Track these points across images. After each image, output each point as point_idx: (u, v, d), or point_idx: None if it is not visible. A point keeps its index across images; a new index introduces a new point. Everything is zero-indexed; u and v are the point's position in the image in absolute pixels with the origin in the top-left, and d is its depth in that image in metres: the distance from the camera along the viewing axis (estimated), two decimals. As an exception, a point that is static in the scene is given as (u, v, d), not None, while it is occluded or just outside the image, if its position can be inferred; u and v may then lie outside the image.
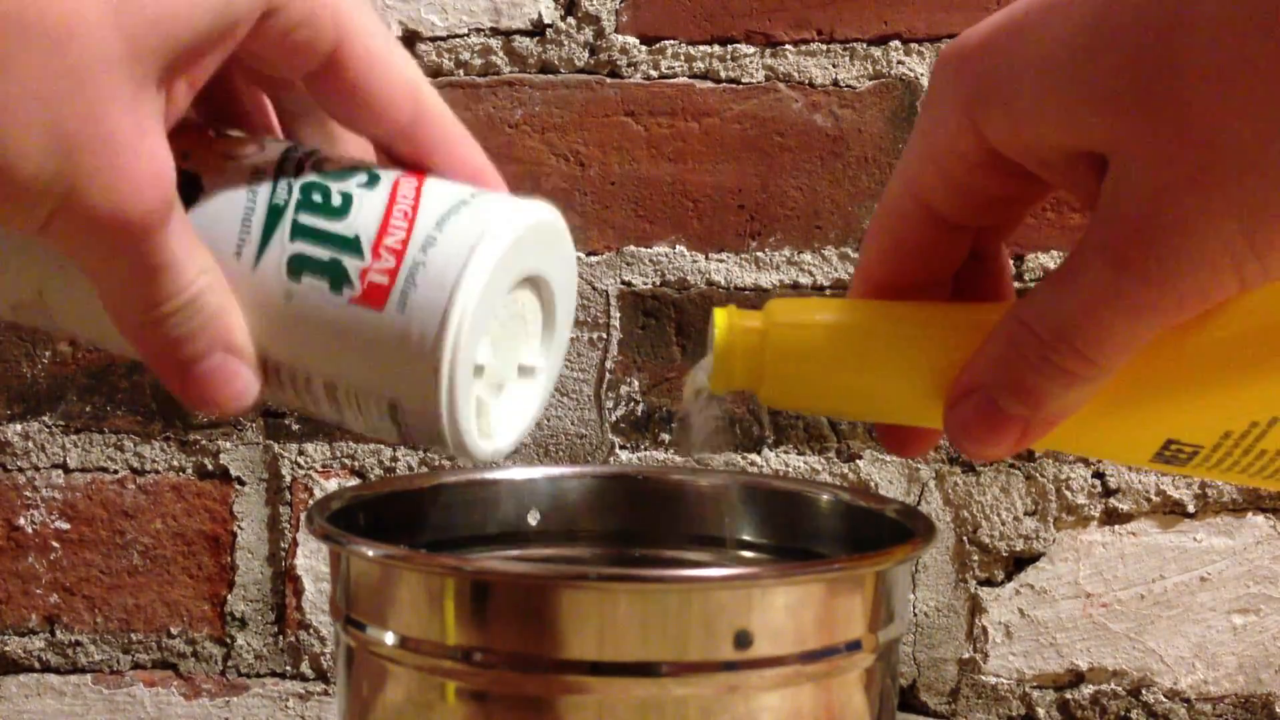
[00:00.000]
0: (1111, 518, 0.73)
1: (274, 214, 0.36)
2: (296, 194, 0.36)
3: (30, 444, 0.75)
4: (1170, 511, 0.73)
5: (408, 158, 0.38)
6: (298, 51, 0.34)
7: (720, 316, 0.39)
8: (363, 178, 0.37)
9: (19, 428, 0.75)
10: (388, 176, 0.37)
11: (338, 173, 0.37)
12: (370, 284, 0.35)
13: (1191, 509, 0.73)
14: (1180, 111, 0.30)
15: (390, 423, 0.37)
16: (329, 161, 0.37)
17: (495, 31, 0.73)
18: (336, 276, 0.35)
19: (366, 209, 0.36)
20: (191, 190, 0.36)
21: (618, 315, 0.73)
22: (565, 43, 0.72)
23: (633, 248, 0.73)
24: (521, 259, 0.37)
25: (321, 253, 0.36)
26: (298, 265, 0.36)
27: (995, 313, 0.36)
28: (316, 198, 0.36)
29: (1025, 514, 0.73)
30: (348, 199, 0.36)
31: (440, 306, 0.35)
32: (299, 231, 0.36)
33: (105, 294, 0.34)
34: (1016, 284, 0.72)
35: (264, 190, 0.36)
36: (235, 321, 0.35)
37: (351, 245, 0.36)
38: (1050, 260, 0.71)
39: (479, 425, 0.38)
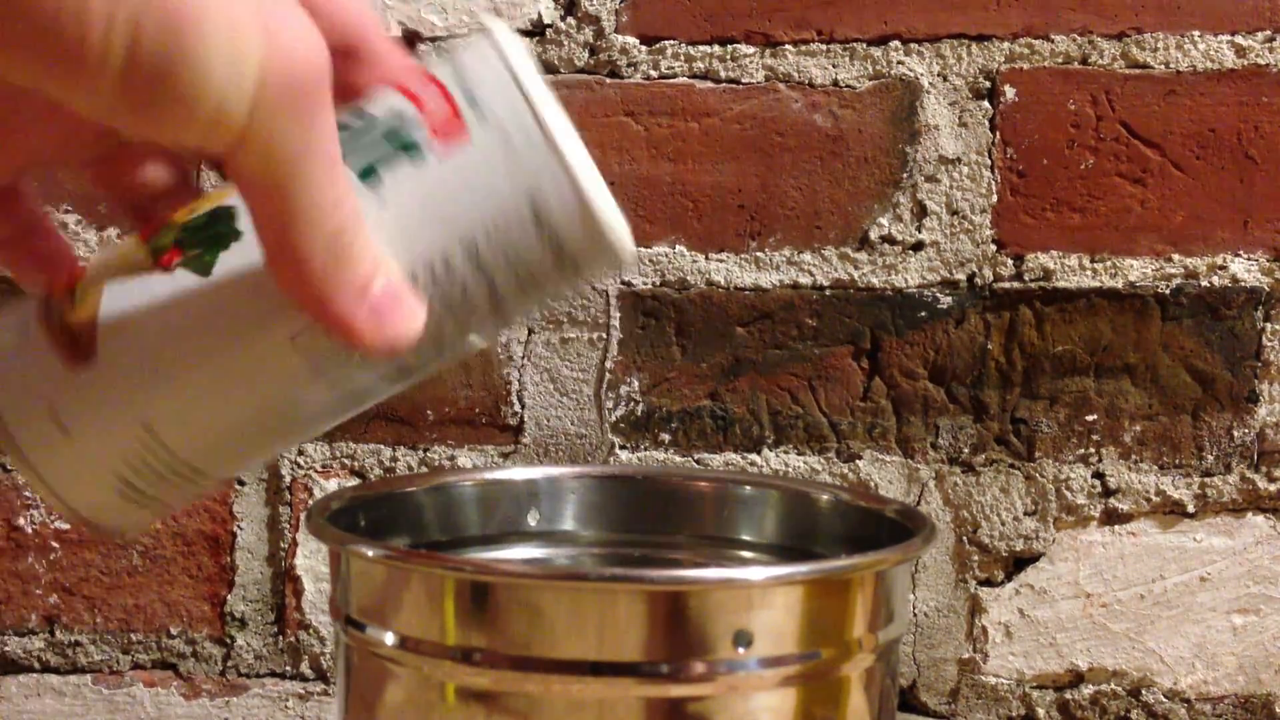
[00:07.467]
0: (1111, 518, 0.73)
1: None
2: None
3: (30, 444, 0.75)
4: (1170, 511, 0.73)
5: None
6: None
7: None
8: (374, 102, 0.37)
9: (19, 428, 0.75)
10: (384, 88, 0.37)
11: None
12: (442, 130, 0.35)
13: (1191, 509, 0.73)
14: None
15: (540, 245, 0.35)
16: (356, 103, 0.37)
17: (495, 31, 0.72)
18: (407, 149, 0.35)
19: (391, 106, 0.36)
20: None
21: (617, 315, 0.73)
22: (565, 43, 0.72)
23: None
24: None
25: (381, 149, 0.35)
26: (368, 171, 0.35)
27: None
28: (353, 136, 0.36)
29: (1025, 514, 0.73)
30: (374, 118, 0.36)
31: (511, 90, 0.35)
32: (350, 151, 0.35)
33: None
34: (1016, 284, 0.72)
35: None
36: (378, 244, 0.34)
37: (403, 126, 0.35)
38: (1050, 260, 0.71)
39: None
